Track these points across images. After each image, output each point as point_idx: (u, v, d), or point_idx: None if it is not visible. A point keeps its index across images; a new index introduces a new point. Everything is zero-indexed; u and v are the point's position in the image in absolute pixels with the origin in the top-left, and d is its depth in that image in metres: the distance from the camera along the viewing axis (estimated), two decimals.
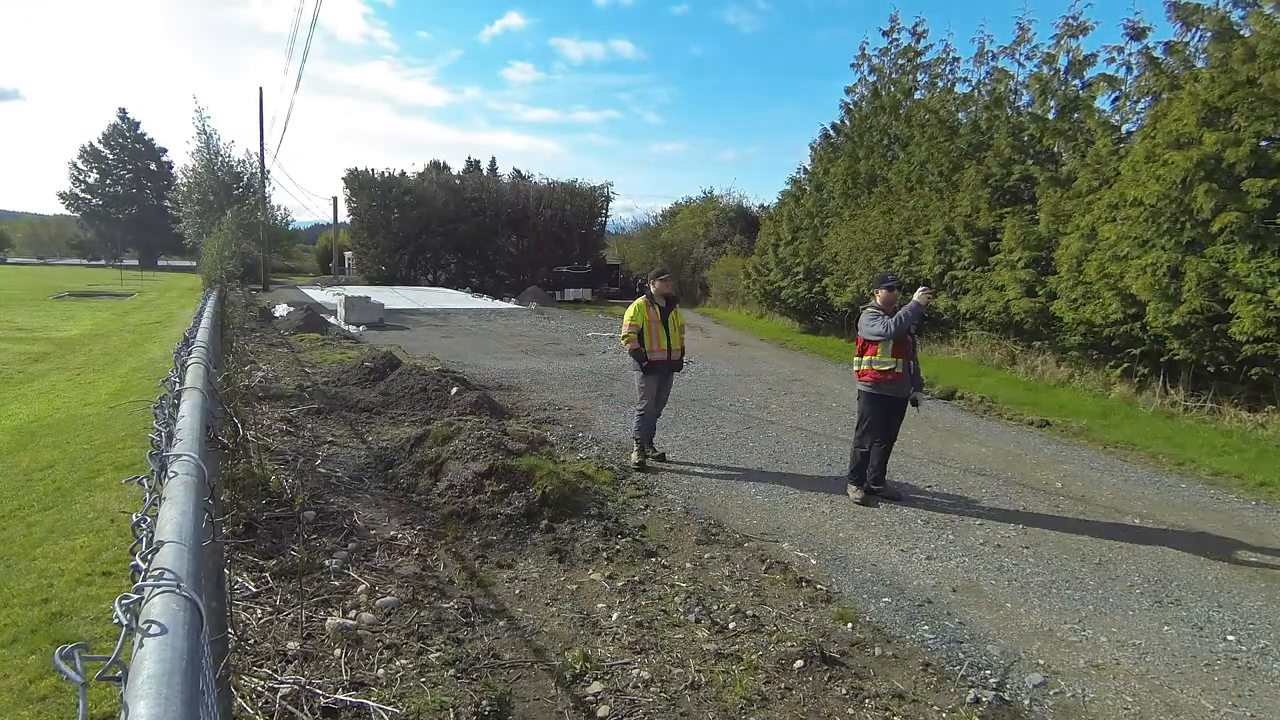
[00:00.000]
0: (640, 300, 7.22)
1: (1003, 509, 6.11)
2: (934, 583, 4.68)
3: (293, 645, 3.50)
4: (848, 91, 21.56)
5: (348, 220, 42.41)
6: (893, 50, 19.81)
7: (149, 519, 1.39)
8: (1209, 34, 10.38)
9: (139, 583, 1.06)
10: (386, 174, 39.41)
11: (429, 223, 38.52)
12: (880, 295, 6.30)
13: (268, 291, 30.84)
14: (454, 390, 9.19)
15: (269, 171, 35.01)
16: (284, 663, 3.36)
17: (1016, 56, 15.33)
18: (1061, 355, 12.14)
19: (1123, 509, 6.17)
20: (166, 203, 55.04)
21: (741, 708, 3.24)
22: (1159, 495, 6.61)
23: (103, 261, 63.51)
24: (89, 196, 63.90)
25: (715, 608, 4.18)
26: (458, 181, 42.05)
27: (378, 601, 3.99)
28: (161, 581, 1.03)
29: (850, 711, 3.27)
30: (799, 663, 3.56)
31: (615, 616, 4.05)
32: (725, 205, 35.42)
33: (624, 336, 7.10)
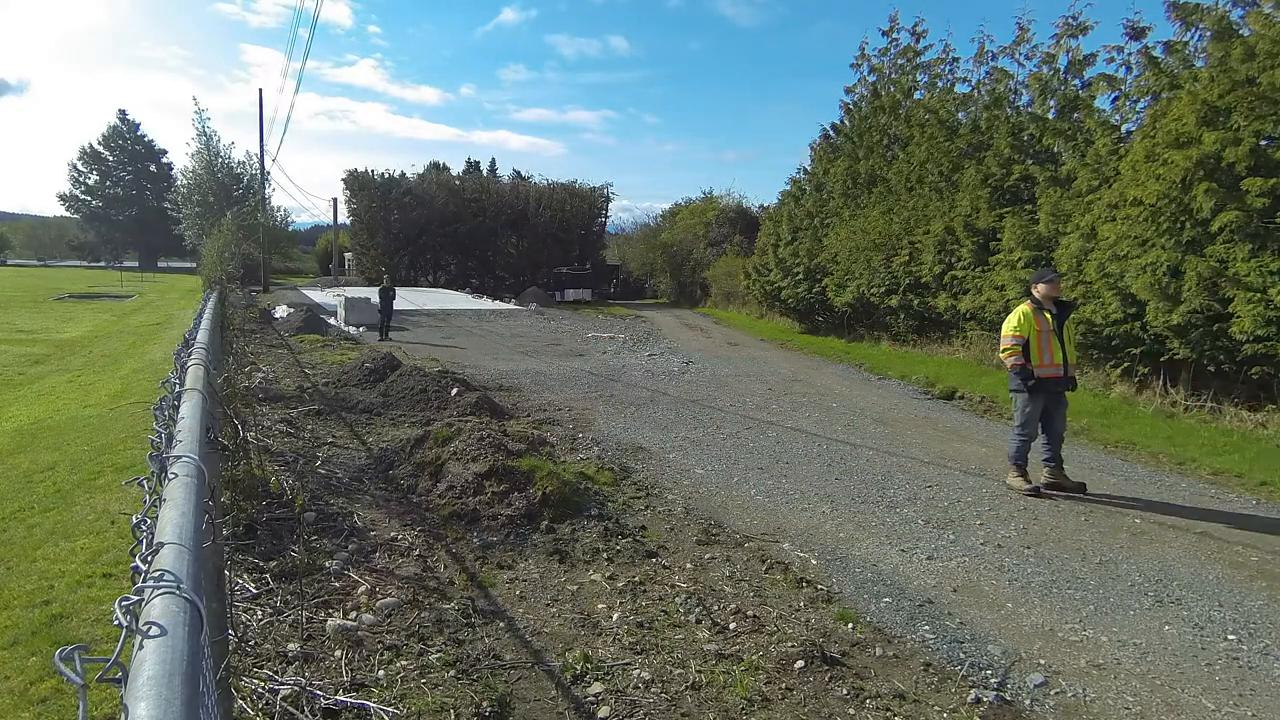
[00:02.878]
0: (1026, 307, 6.49)
1: (1003, 509, 6.11)
2: (934, 583, 4.68)
3: (293, 646, 3.50)
4: (847, 91, 21.58)
5: (347, 221, 42.44)
6: (892, 50, 19.83)
7: (149, 520, 1.39)
8: (1208, 33, 10.39)
9: (139, 584, 1.06)
10: (386, 175, 39.46)
11: (429, 224, 38.54)
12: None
13: (268, 293, 30.86)
14: (454, 391, 9.19)
15: (269, 173, 35.04)
16: (284, 664, 3.36)
17: (1016, 56, 15.35)
18: None
19: (1123, 509, 6.16)
20: (166, 204, 55.13)
21: (742, 708, 3.24)
22: (1159, 495, 6.60)
23: (103, 263, 63.57)
24: (89, 198, 64.00)
25: (716, 608, 4.18)
26: (457, 182, 42.10)
27: (378, 603, 3.99)
28: (162, 583, 1.04)
29: (851, 712, 3.27)
30: (800, 663, 3.56)
31: (616, 617, 4.05)
32: (725, 205, 35.42)
33: (1006, 350, 6.43)
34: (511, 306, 27.20)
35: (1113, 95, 12.49)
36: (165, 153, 65.71)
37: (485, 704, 3.13)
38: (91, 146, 63.99)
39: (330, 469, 6.42)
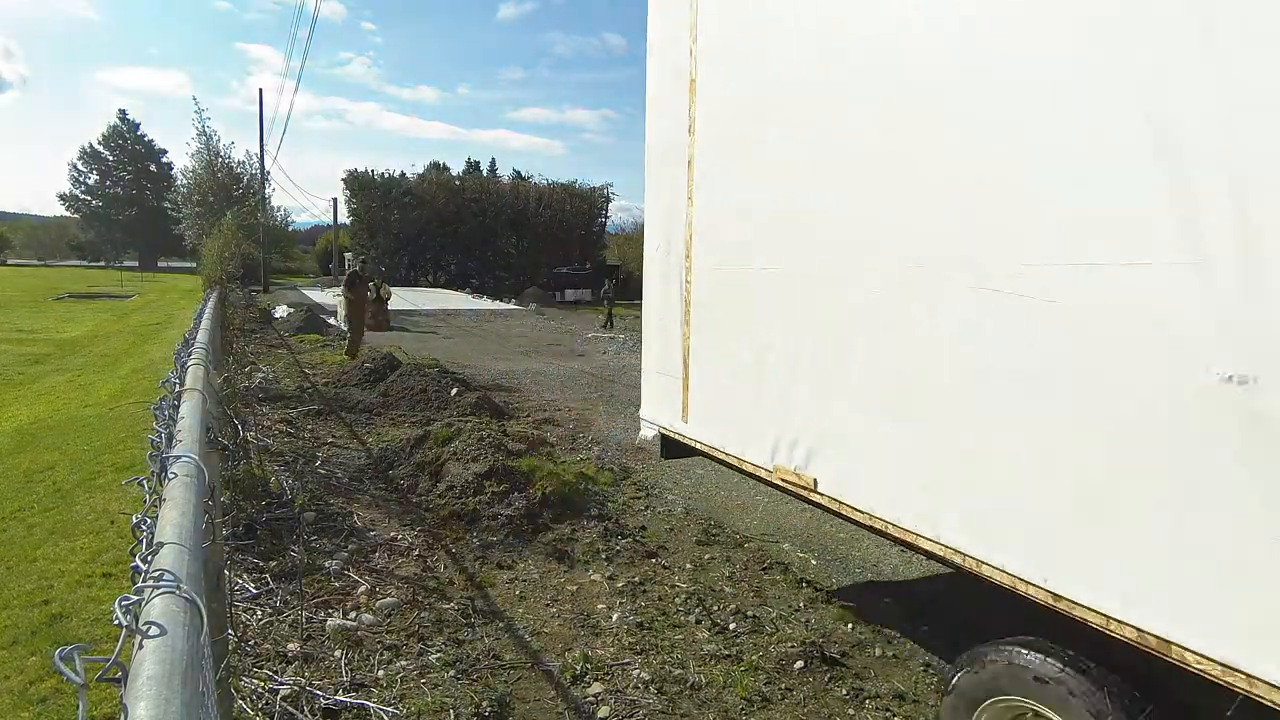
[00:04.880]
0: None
1: None
2: (935, 583, 4.68)
3: (293, 646, 3.50)
4: None
5: (348, 221, 42.45)
6: None
7: (149, 520, 1.39)
8: None
9: (139, 584, 1.06)
10: (386, 175, 39.50)
11: (429, 224, 38.58)
12: None
13: (268, 293, 30.85)
14: (454, 391, 9.19)
15: (269, 172, 35.05)
16: (284, 664, 3.36)
17: None
18: None
19: None
20: (166, 204, 55.11)
21: (742, 708, 3.24)
22: None
23: (103, 263, 63.55)
24: (89, 198, 63.99)
25: (715, 608, 4.18)
26: (457, 183, 42.14)
27: (378, 603, 4.00)
28: (162, 583, 1.04)
29: (851, 712, 3.27)
30: (799, 663, 3.56)
31: (615, 617, 4.05)
32: None
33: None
34: (511, 306, 27.21)
35: None
36: (165, 152, 65.75)
37: (485, 704, 3.14)
38: (91, 146, 64.01)
39: (330, 469, 6.42)
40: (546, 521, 5.28)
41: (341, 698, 3.10)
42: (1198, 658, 1.91)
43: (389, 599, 4.04)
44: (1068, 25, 2.21)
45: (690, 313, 4.06)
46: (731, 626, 3.97)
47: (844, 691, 3.40)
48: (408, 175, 40.41)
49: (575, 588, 4.42)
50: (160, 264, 64.14)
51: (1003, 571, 2.41)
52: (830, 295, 3.13)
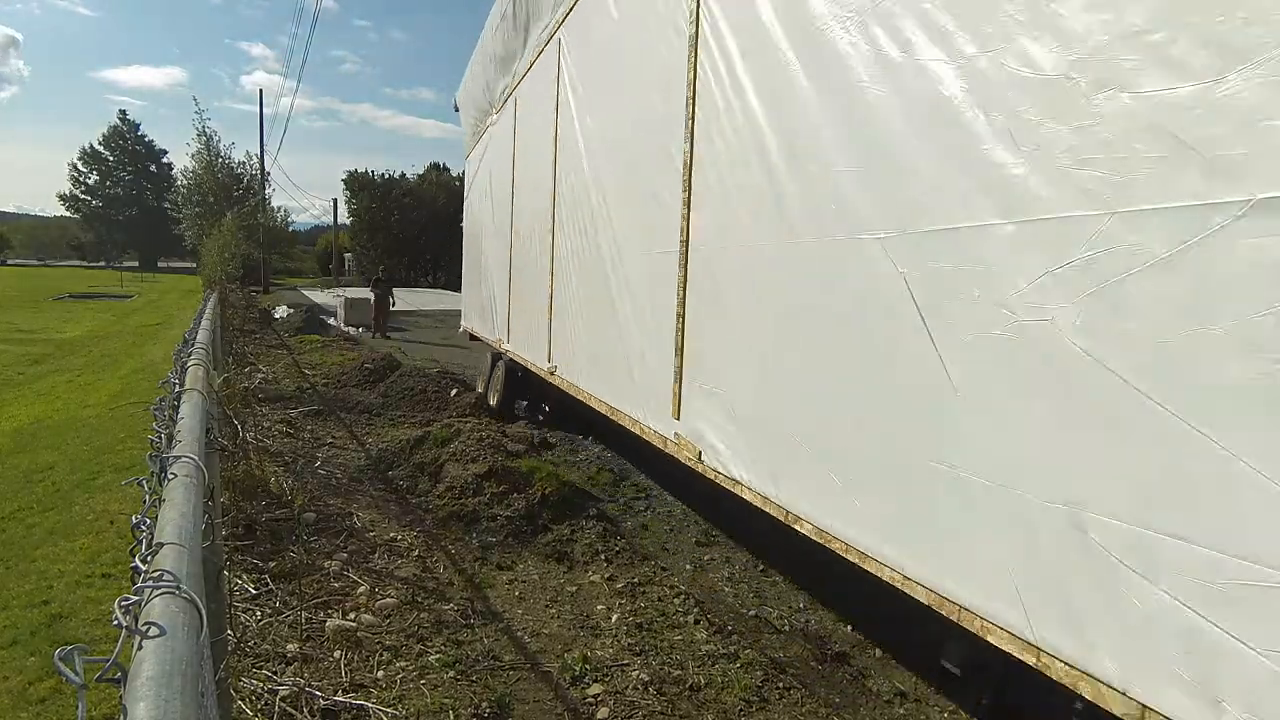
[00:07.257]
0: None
1: None
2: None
3: (292, 647, 3.50)
4: None
5: (348, 221, 42.48)
6: None
7: (149, 520, 1.40)
8: None
9: (139, 584, 1.06)
10: (386, 175, 39.54)
11: (429, 224, 38.61)
12: None
13: (268, 293, 30.84)
14: (454, 392, 9.20)
15: (269, 173, 35.06)
16: (284, 664, 3.36)
17: None
18: None
19: None
20: (166, 204, 55.15)
21: (740, 709, 3.24)
22: None
23: (103, 263, 63.56)
24: (89, 198, 64.02)
25: (715, 609, 4.18)
26: (458, 183, 42.14)
27: (377, 603, 3.99)
28: (161, 583, 1.04)
29: (851, 712, 3.27)
30: (799, 664, 3.56)
31: (615, 618, 4.05)
32: None
33: None
34: None
35: None
36: (165, 153, 65.84)
37: (484, 705, 3.14)
38: (92, 146, 64.09)
39: (329, 469, 6.41)
40: (546, 522, 5.28)
41: (341, 698, 3.09)
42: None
43: (388, 600, 4.04)
44: None
45: (465, 279, 11.73)
46: (730, 627, 3.97)
47: (844, 692, 3.40)
48: (408, 176, 40.48)
49: (575, 589, 4.42)
50: (160, 264, 64.16)
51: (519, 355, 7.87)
52: (491, 268, 9.41)
